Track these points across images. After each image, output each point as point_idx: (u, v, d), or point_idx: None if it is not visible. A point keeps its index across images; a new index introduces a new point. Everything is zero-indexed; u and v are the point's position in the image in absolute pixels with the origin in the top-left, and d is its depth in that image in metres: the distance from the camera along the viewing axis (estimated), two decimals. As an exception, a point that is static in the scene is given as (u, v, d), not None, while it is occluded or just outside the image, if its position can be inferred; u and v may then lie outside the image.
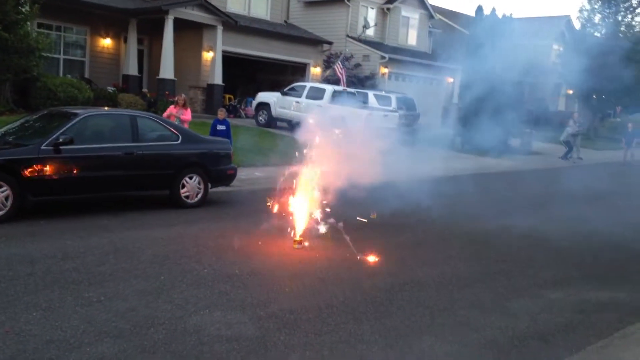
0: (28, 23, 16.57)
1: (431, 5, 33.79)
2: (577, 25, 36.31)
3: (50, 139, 8.12)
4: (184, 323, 4.81)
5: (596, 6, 32.36)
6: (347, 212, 7.93)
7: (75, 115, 8.74)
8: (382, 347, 4.68)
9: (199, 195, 9.63)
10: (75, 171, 8.28)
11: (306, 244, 7.36)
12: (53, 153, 8.08)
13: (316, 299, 5.62)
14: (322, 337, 4.78)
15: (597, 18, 32.65)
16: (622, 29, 32.75)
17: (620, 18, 32.76)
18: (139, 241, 7.14)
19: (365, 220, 8.07)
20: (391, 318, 5.28)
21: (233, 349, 4.44)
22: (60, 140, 8.15)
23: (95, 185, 8.62)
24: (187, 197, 9.48)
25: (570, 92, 35.31)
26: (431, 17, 34.14)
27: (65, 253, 6.42)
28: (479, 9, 27.55)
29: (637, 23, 34.27)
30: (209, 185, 9.86)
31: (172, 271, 6.09)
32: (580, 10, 34.80)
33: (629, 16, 33.38)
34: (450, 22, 37.75)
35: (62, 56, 21.42)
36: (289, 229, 7.55)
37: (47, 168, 8.02)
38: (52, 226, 7.61)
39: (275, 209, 7.80)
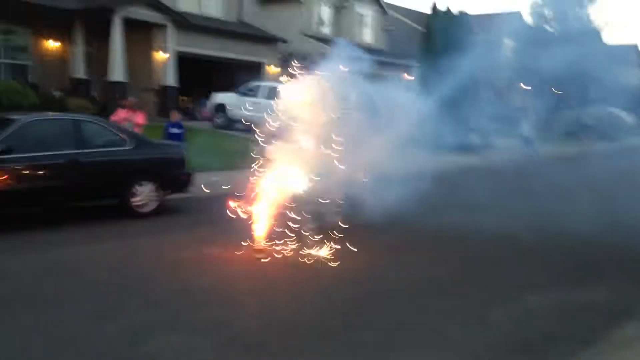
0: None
1: (385, 3, 33.72)
2: (528, 20, 36.82)
3: (-16, 148, 7.46)
4: (135, 352, 4.29)
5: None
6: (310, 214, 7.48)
7: (13, 121, 8.08)
8: (356, 369, 4.27)
9: (152, 204, 9.05)
10: (13, 182, 7.62)
11: (267, 256, 6.90)
12: (-12, 163, 7.41)
13: (282, 315, 5.17)
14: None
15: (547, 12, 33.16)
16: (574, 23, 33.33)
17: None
18: (85, 258, 6.55)
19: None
20: (363, 333, 4.86)
21: (190, 380, 3.97)
22: (-4, 149, 7.49)
23: (36, 197, 7.95)
24: (139, 206, 8.90)
25: (526, 87, 35.73)
26: (385, 14, 34.07)
27: (1, 273, 5.80)
28: (434, 6, 27.55)
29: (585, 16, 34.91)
30: (163, 192, 9.29)
31: (121, 290, 5.55)
32: (531, 6, 35.27)
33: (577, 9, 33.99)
34: (404, 19, 37.75)
35: (3, 60, 20.32)
36: (250, 238, 7.07)
37: (-18, 180, 7.35)
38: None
39: (235, 215, 7.32)
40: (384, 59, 30.91)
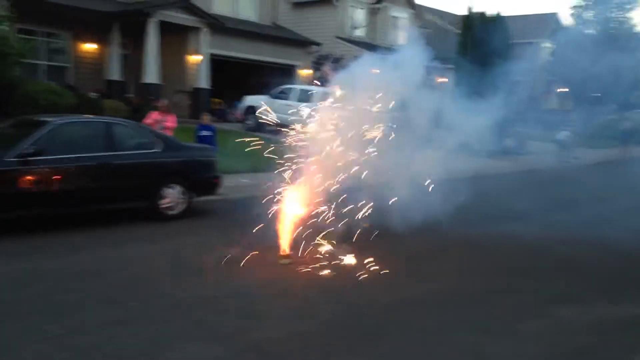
0: (6, 28, 15.93)
1: (419, 5, 33.40)
2: (566, 22, 36.08)
3: (17, 150, 7.54)
4: (152, 360, 4.24)
5: (590, 3, 32.15)
6: (338, 220, 7.36)
7: (46, 123, 8.15)
8: (377, 383, 4.12)
9: (182, 207, 9.05)
10: (44, 184, 7.68)
11: (292, 262, 6.80)
12: (20, 165, 7.49)
13: (301, 324, 5.05)
14: (309, 372, 4.22)
15: (589, 15, 32.41)
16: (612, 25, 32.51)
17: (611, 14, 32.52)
18: (111, 261, 6.55)
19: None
20: (387, 345, 4.71)
21: (208, 391, 3.88)
22: (28, 151, 7.57)
23: (66, 200, 8.00)
24: (168, 208, 8.90)
25: (564, 90, 34.97)
26: (419, 16, 33.73)
27: (27, 277, 5.83)
28: (470, 8, 27.17)
29: (625, 19, 34.03)
30: (193, 195, 9.29)
31: (145, 296, 5.50)
32: (574, 7, 34.57)
33: (620, 13, 33.15)
34: (439, 22, 37.32)
35: (44, 62, 20.74)
36: (276, 243, 6.98)
37: (13, 182, 7.43)
38: (16, 246, 7.00)
39: (263, 218, 7.25)
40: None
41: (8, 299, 5.25)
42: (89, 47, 21.80)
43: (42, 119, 8.51)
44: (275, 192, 7.22)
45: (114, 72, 21.38)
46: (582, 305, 5.95)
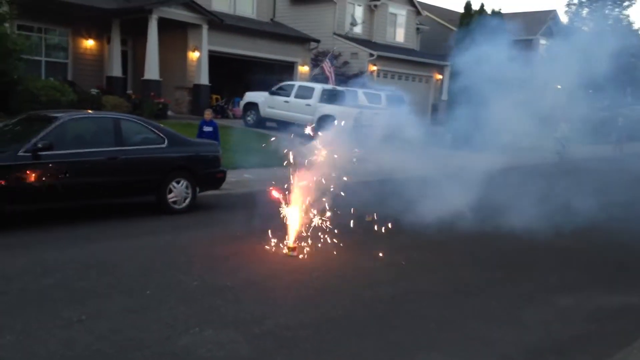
0: (6, 24, 16.03)
1: (418, 2, 33.53)
2: (564, 19, 36.28)
3: (28, 145, 7.69)
4: (172, 345, 4.42)
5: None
6: (344, 214, 7.56)
7: (55, 119, 8.29)
8: (388, 367, 4.32)
9: (187, 201, 9.22)
10: (55, 178, 7.85)
11: (300, 253, 7.00)
12: (31, 159, 7.64)
13: (314, 312, 5.25)
14: (322, 356, 4.41)
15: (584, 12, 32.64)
16: (610, 22, 32.75)
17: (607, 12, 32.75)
18: (124, 252, 6.73)
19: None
20: (395, 333, 4.92)
21: (226, 373, 4.07)
22: (39, 145, 7.72)
23: (77, 193, 8.17)
24: (174, 202, 9.08)
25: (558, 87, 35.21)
26: (418, 13, 33.89)
27: (44, 267, 5.99)
28: (468, 5, 27.36)
29: (624, 16, 34.24)
30: (197, 189, 9.46)
31: (159, 285, 5.69)
32: (568, 5, 34.77)
33: (616, 10, 33.37)
34: (437, 19, 37.48)
35: (44, 58, 20.86)
36: (282, 235, 7.18)
37: (26, 175, 7.59)
38: (31, 237, 7.17)
39: (268, 212, 7.44)
40: (415, 58, 30.82)
41: (29, 288, 5.42)
42: (89, 43, 21.93)
43: (51, 114, 8.65)
44: (280, 186, 7.38)
45: (114, 69, 21.51)
46: (580, 294, 6.17)
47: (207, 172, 9.65)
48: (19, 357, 4.09)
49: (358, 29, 30.27)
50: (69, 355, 4.16)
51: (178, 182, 9.10)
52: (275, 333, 4.74)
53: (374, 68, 28.98)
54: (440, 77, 33.28)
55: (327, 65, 25.85)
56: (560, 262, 7.45)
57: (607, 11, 33.15)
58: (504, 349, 4.72)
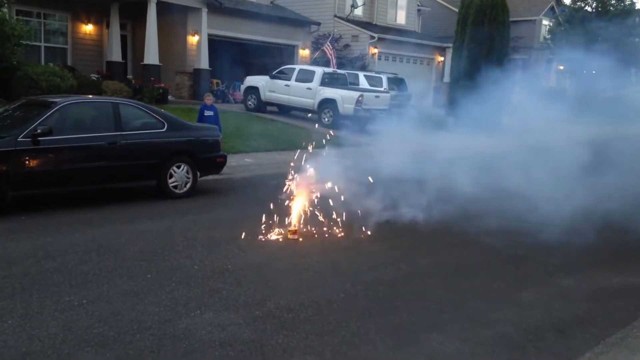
0: (5, 10, 15.93)
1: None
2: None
3: (27, 130, 7.68)
4: (172, 327, 4.43)
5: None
6: (346, 198, 7.55)
7: (54, 104, 8.27)
8: (388, 347, 4.33)
9: (188, 185, 9.22)
10: (55, 163, 7.87)
11: (300, 237, 7.01)
12: (31, 145, 7.64)
13: (315, 294, 5.26)
14: (323, 337, 4.42)
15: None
16: (613, 1, 32.43)
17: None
18: (125, 236, 6.73)
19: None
20: (396, 314, 4.93)
21: (227, 355, 4.08)
22: (39, 131, 7.71)
23: (77, 178, 8.19)
24: (175, 187, 9.08)
25: (561, 67, 35.00)
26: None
27: (46, 251, 6.01)
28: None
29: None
30: (198, 174, 9.45)
31: (160, 268, 5.70)
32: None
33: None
34: (439, 0, 37.16)
35: (43, 44, 20.73)
36: (283, 218, 7.19)
37: (26, 161, 7.60)
38: (33, 222, 7.18)
39: (269, 196, 7.44)
40: (416, 40, 30.59)
41: (32, 272, 5.43)
42: (89, 28, 21.79)
43: (50, 99, 8.63)
44: (282, 170, 7.38)
45: (114, 54, 21.37)
46: (579, 275, 6.18)
47: (207, 156, 9.63)
48: (21, 341, 4.11)
49: (359, 11, 30.01)
50: (70, 338, 4.18)
51: (178, 167, 9.09)
52: (276, 315, 4.75)
53: (375, 51, 28.79)
54: (441, 59, 33.07)
55: (328, 48, 25.71)
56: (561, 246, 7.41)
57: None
58: (504, 328, 4.73)
